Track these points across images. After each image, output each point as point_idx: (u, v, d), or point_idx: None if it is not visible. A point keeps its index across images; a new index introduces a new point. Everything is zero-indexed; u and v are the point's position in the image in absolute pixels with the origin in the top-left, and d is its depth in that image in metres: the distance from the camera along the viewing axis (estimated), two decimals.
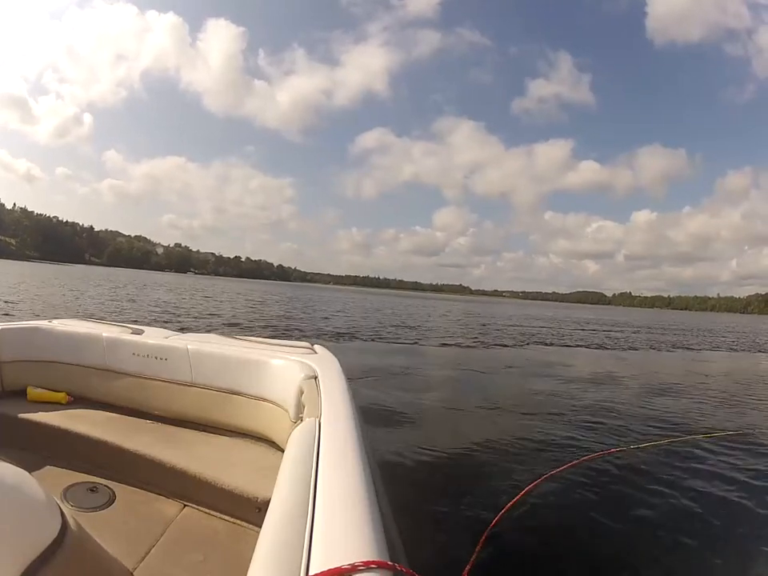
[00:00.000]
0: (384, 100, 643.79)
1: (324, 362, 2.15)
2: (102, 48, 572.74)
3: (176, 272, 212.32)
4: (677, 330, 33.04)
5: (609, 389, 8.41)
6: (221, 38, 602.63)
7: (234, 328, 13.26)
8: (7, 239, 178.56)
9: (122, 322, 3.01)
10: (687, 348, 19.63)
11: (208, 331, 11.82)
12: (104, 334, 2.53)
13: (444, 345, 14.60)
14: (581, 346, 17.23)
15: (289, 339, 2.83)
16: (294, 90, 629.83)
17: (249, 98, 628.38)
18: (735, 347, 22.08)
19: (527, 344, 16.33)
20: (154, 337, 2.56)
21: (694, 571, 2.78)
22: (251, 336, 3.17)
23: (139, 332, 2.65)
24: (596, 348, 16.90)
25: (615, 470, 4.11)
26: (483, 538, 2.63)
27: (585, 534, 3.08)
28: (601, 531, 3.09)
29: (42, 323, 2.69)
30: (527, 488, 3.44)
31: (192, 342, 2.43)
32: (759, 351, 20.89)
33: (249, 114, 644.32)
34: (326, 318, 21.02)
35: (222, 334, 3.11)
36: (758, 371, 13.92)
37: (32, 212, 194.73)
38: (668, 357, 16.33)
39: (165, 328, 3.33)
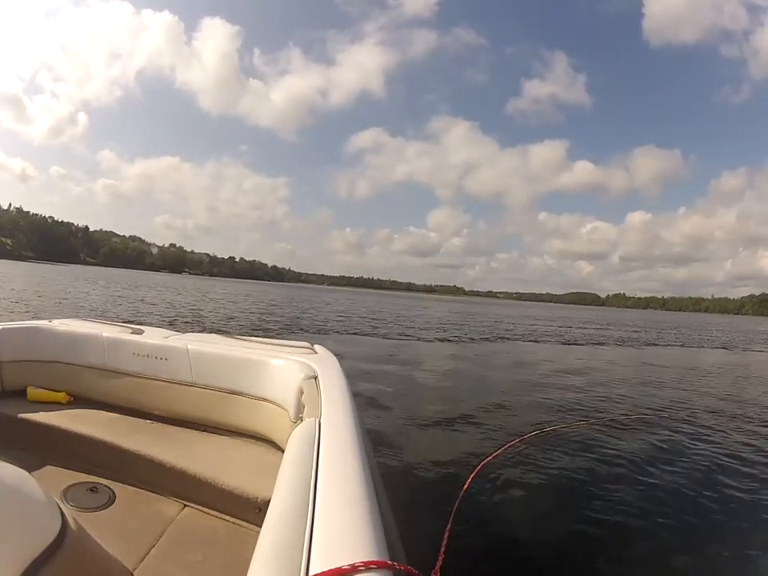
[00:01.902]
0: (379, 100, 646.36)
1: (324, 362, 2.15)
2: (97, 47, 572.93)
3: (170, 272, 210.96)
4: (656, 329, 35.15)
5: (565, 377, 9.55)
6: (216, 36, 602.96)
7: (250, 329, 13.66)
8: (3, 239, 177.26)
9: (122, 322, 3.01)
10: (655, 344, 21.17)
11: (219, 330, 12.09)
12: (104, 334, 2.53)
13: (439, 341, 15.66)
14: (553, 341, 18.91)
15: (289, 339, 2.83)
16: (288, 90, 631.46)
17: (244, 97, 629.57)
18: (705, 344, 23.41)
19: (516, 340, 18.02)
20: (154, 337, 2.56)
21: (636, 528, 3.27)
22: (251, 336, 3.17)
23: (139, 332, 2.65)
24: (568, 344, 18.46)
25: (564, 444, 4.92)
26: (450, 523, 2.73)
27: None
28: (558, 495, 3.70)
29: (42, 323, 2.68)
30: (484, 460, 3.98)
31: (192, 342, 2.43)
32: (723, 348, 22.27)
33: (243, 114, 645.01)
34: (327, 318, 21.46)
35: (222, 334, 3.12)
36: (703, 363, 15.20)
37: (28, 212, 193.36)
38: (634, 352, 17.56)
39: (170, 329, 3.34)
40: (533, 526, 3.20)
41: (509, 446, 4.48)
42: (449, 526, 2.59)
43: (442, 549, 2.16)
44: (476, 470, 3.70)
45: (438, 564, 1.89)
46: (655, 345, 21.11)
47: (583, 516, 3.35)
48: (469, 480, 3.48)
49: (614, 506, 3.52)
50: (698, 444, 5.23)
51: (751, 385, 10.97)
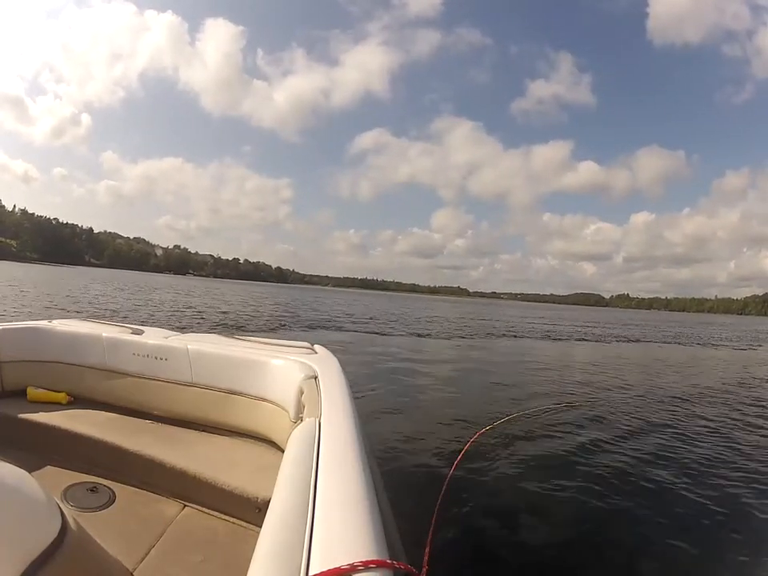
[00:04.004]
0: (382, 100, 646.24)
1: (324, 362, 2.15)
2: (100, 47, 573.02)
3: (174, 274, 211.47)
4: (644, 328, 37.90)
5: (550, 369, 10.74)
6: (219, 37, 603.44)
7: (276, 327, 14.81)
8: (8, 241, 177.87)
9: (122, 322, 3.01)
10: (632, 340, 22.86)
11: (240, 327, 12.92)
12: (104, 334, 2.53)
13: (444, 338, 16.76)
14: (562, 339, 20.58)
15: (289, 339, 2.83)
16: (292, 90, 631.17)
17: (247, 97, 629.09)
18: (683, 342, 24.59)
19: (523, 338, 19.42)
20: (154, 337, 2.56)
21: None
22: (251, 336, 3.17)
23: (139, 332, 2.65)
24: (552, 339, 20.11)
25: (534, 427, 5.39)
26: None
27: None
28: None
29: (42, 323, 2.69)
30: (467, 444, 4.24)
31: (192, 342, 2.43)
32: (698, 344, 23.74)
33: (246, 114, 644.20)
34: (347, 318, 22.44)
35: (222, 334, 3.12)
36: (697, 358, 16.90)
37: (32, 214, 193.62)
38: (608, 347, 19.06)
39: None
40: (515, 511, 3.34)
41: (488, 429, 4.86)
42: (434, 519, 2.62)
43: (428, 544, 2.16)
44: (458, 459, 3.81)
45: (425, 566, 1.87)
46: (648, 342, 22.76)
47: (561, 494, 3.62)
48: (452, 469, 3.59)
49: (589, 487, 3.75)
50: (669, 428, 5.84)
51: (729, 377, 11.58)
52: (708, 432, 5.80)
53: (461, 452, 3.96)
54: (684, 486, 3.91)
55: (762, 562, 2.89)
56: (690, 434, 5.58)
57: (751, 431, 6.02)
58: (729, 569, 2.85)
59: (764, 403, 7.95)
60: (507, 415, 5.50)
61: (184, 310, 18.98)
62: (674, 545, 2.98)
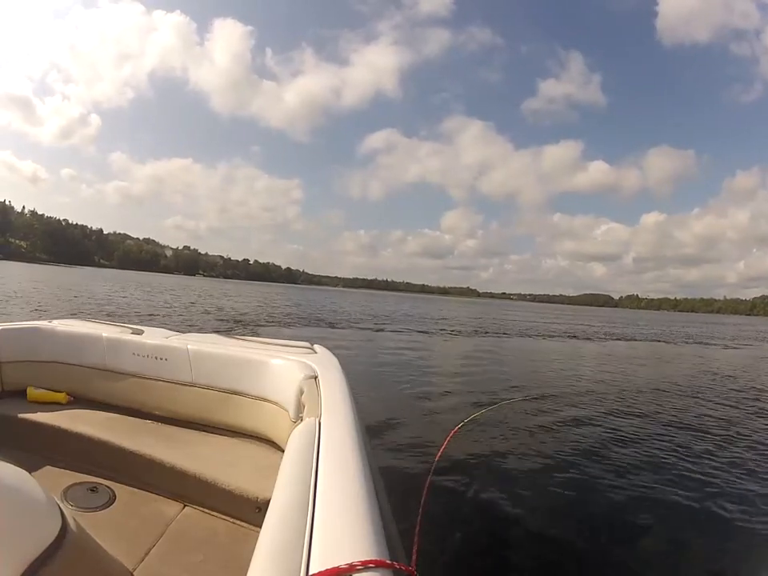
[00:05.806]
0: (392, 100, 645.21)
1: (324, 362, 2.16)
2: (108, 48, 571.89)
3: (184, 275, 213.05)
4: (651, 327, 39.56)
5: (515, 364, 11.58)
6: (228, 37, 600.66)
7: (300, 325, 15.86)
8: (18, 242, 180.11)
9: (122, 323, 3.01)
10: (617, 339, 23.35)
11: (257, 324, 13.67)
12: (104, 334, 2.54)
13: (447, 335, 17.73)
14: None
15: (290, 339, 2.84)
16: (301, 90, 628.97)
17: (256, 97, 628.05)
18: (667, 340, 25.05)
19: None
20: (155, 337, 2.56)
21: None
22: (251, 336, 3.18)
23: (139, 332, 2.65)
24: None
25: (518, 414, 5.70)
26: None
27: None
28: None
29: (42, 323, 2.70)
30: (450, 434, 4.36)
31: (192, 342, 2.43)
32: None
33: (255, 115, 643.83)
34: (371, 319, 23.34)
35: (222, 334, 3.13)
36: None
37: (42, 215, 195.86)
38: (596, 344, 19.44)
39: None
40: (501, 501, 3.39)
41: (470, 419, 5.03)
42: (419, 517, 2.61)
43: (415, 539, 2.13)
44: (439, 452, 3.86)
45: (414, 558, 1.85)
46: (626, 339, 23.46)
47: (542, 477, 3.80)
48: (434, 464, 3.64)
49: (574, 478, 3.84)
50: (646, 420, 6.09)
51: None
52: (695, 420, 6.11)
53: (442, 445, 4.00)
54: (676, 478, 3.96)
55: (759, 557, 2.91)
56: (683, 425, 5.79)
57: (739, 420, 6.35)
58: (726, 563, 2.86)
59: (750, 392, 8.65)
60: (491, 405, 5.70)
61: (214, 311, 19.31)
62: (668, 543, 2.99)
